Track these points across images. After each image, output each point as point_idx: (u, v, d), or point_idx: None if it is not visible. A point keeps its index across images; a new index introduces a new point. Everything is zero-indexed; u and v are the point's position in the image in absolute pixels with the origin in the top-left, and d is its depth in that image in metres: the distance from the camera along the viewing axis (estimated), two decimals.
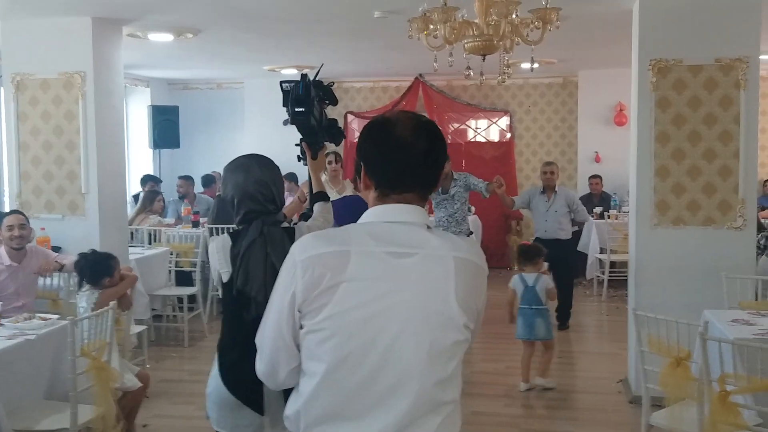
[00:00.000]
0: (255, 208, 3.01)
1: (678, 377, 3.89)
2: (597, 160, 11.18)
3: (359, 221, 1.99)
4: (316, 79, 3.29)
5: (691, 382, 3.89)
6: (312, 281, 1.87)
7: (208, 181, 10.56)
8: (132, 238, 7.98)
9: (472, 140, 12.04)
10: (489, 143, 11.97)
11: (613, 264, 9.48)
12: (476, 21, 4.81)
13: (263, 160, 3.13)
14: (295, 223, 3.23)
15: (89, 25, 6.33)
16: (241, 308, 2.92)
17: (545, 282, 6.04)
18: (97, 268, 5.03)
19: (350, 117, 11.93)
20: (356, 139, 11.85)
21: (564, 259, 7.96)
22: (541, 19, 4.64)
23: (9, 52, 6.53)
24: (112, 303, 4.48)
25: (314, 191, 3.47)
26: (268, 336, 2.02)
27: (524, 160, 11.80)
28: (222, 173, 3.14)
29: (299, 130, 3.30)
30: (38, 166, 6.48)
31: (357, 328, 1.84)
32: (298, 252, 1.93)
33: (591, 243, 9.70)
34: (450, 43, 4.69)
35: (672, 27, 5.58)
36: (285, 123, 3.38)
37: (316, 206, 3.40)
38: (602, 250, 9.60)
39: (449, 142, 11.69)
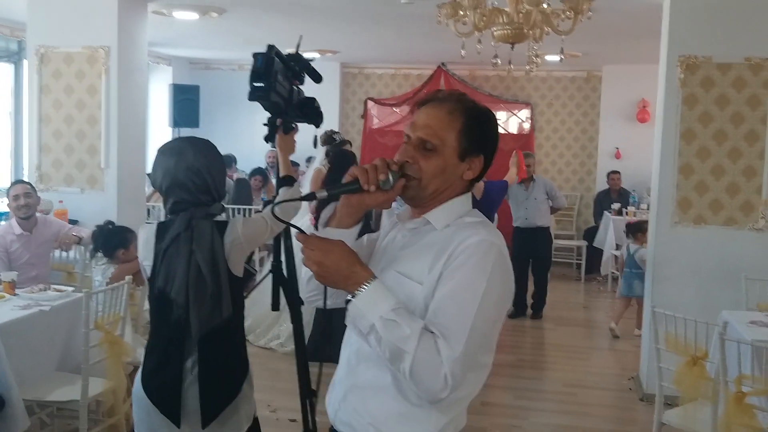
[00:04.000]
0: (185, 198, 2.78)
1: (694, 376, 3.86)
2: (617, 156, 11.11)
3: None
4: (297, 52, 3.09)
5: (707, 382, 3.86)
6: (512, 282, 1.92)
7: (226, 162, 10.57)
8: (149, 214, 8.00)
9: None
10: (509, 135, 11.88)
11: None
12: (507, 9, 4.76)
13: (200, 144, 2.89)
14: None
15: (115, 0, 6.31)
16: (164, 309, 2.75)
17: (642, 252, 7.17)
18: (112, 239, 5.03)
19: (370, 103, 11.88)
20: (375, 125, 11.91)
21: (541, 248, 8.23)
22: (573, 9, 4.58)
23: (34, 23, 6.52)
24: (127, 277, 4.49)
25: (281, 174, 3.24)
26: (479, 347, 1.84)
27: (543, 153, 11.72)
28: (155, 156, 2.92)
29: (265, 109, 2.98)
30: (59, 140, 6.48)
31: None
32: (503, 247, 1.88)
33: (607, 239, 9.65)
34: (479, 30, 4.65)
35: (702, 23, 5.50)
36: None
37: (282, 191, 3.19)
38: (618, 247, 9.53)
39: None
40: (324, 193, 1.88)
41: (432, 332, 1.75)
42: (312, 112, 3.13)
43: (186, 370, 2.75)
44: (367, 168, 1.85)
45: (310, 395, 3.23)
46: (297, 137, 3.31)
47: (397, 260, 1.94)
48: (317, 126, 3.19)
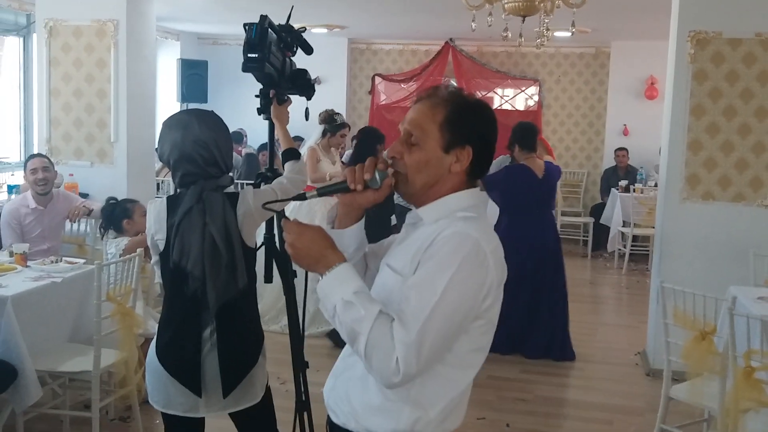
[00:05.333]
0: (193, 171, 2.76)
1: (702, 351, 3.87)
2: (625, 133, 11.07)
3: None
4: (288, 23, 3.07)
5: (715, 357, 3.87)
6: (501, 275, 1.88)
7: (236, 138, 10.62)
8: (158, 189, 8.02)
9: (499, 108, 11.90)
10: (516, 111, 11.84)
11: (635, 238, 9.44)
12: None
13: (206, 116, 2.85)
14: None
15: None
16: (180, 282, 2.75)
17: None
18: (114, 213, 5.05)
19: (378, 79, 11.84)
20: (383, 102, 11.88)
21: None
22: None
23: None
24: (139, 250, 4.51)
25: (284, 148, 3.21)
26: (439, 337, 1.78)
27: (551, 130, 11.68)
28: (160, 129, 2.89)
29: (258, 80, 3.02)
30: (69, 113, 6.49)
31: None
32: (485, 241, 1.82)
33: (614, 216, 9.65)
34: (490, 3, 4.63)
35: None
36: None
37: (288, 165, 3.16)
38: (625, 224, 9.54)
39: None
40: (314, 194, 1.95)
41: (391, 317, 1.77)
42: (304, 84, 3.15)
43: (204, 340, 2.77)
44: (356, 168, 1.90)
45: (303, 367, 3.27)
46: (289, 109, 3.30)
47: (392, 254, 1.98)
48: (309, 98, 3.21)
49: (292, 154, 3.22)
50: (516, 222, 5.85)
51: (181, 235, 2.73)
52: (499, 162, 8.03)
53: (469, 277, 1.79)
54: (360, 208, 1.99)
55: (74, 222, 5.77)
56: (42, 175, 5.48)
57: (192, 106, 10.97)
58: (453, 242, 1.80)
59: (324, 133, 6.49)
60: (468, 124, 1.92)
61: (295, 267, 3.42)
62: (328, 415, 2.04)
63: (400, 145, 1.93)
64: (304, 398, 3.16)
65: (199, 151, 2.76)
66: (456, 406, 1.94)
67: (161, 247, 2.81)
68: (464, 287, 1.79)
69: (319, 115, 6.57)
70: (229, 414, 2.92)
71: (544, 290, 6.00)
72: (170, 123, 2.84)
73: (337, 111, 6.75)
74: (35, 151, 6.51)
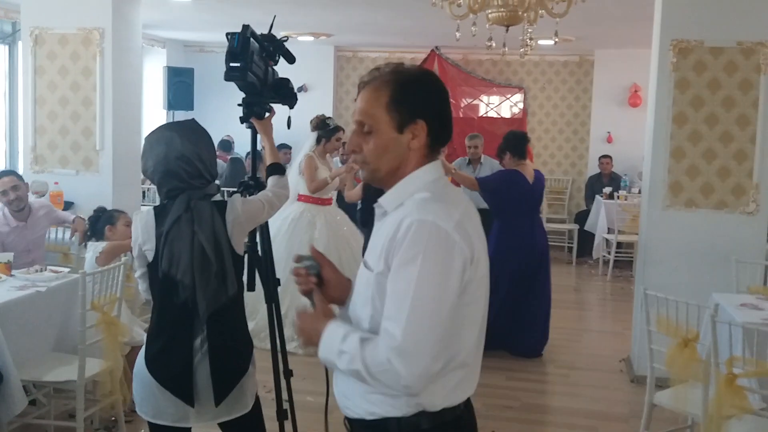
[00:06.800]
0: (179, 186, 2.78)
1: (685, 358, 3.89)
2: (609, 140, 11.15)
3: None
4: (270, 32, 3.09)
5: (698, 364, 3.89)
6: (475, 243, 1.84)
7: (224, 146, 10.65)
8: (144, 196, 8.01)
9: (484, 115, 11.94)
10: (501, 119, 11.89)
11: (619, 245, 9.50)
12: None
13: (187, 130, 2.84)
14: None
15: None
16: (169, 292, 2.75)
17: None
18: (100, 219, 5.00)
19: None
20: None
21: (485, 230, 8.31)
22: None
23: (28, 5, 6.49)
24: (124, 258, 4.50)
25: (269, 162, 3.22)
26: (434, 329, 1.77)
27: (536, 137, 11.72)
28: (143, 144, 2.89)
29: (240, 89, 3.03)
30: (54, 121, 6.47)
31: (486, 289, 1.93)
32: (443, 220, 1.78)
33: (598, 223, 9.71)
34: (474, 13, 4.66)
35: (695, 7, 5.52)
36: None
37: (272, 180, 3.17)
38: (609, 231, 9.59)
39: (461, 116, 11.59)
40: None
41: (374, 336, 1.81)
42: (287, 93, 3.17)
43: (195, 349, 2.77)
44: (296, 279, 2.06)
45: (287, 375, 3.26)
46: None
47: (367, 251, 1.98)
48: (291, 107, 3.22)
49: (276, 169, 3.22)
50: (508, 225, 6.16)
51: (170, 245, 2.73)
52: (458, 164, 8.09)
53: (435, 264, 1.76)
54: (339, 293, 2.07)
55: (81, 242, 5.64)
56: (13, 195, 5.36)
57: (178, 113, 10.98)
58: (410, 235, 1.78)
59: (318, 140, 6.39)
60: (414, 98, 1.91)
61: (278, 275, 3.45)
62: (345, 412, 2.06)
63: (356, 137, 1.95)
64: (285, 407, 3.16)
65: (183, 167, 2.77)
66: (467, 374, 1.95)
67: (150, 257, 2.80)
68: (435, 276, 1.76)
69: (311, 122, 6.49)
70: (219, 424, 2.92)
71: (534, 292, 6.23)
72: (152, 139, 2.84)
73: (328, 116, 6.68)
74: (21, 160, 6.45)
